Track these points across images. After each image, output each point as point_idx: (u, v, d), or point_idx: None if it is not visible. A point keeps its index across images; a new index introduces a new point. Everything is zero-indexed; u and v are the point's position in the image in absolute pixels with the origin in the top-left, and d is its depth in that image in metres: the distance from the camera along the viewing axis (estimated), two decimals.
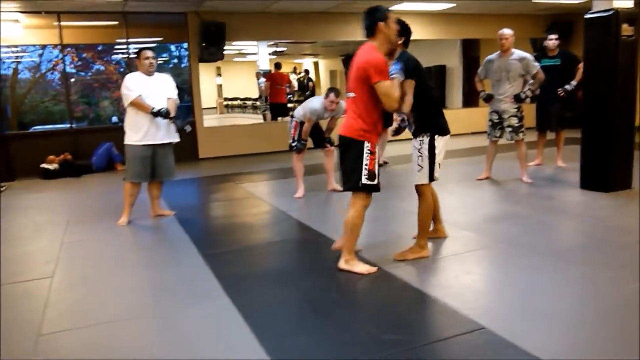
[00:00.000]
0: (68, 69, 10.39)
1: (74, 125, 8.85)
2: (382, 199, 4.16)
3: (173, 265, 3.90)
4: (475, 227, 4.40)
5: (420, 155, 3.61)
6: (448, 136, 3.68)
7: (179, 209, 5.54)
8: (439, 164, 3.64)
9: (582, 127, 5.51)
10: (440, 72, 14.20)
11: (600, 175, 5.35)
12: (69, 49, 10.39)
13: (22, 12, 8.16)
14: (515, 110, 5.93)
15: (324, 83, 20.53)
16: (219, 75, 21.52)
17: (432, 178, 3.62)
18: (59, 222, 5.33)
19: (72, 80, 10.49)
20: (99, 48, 10.45)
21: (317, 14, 9.71)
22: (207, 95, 19.82)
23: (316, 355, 2.44)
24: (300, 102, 21.08)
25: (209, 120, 14.32)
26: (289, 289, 3.28)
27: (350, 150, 3.38)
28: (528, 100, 5.95)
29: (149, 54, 5.02)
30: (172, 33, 9.57)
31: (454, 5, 9.59)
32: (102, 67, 11.27)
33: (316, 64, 21.40)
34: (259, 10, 9.06)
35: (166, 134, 5.06)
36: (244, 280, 3.48)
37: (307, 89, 16.12)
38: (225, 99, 21.23)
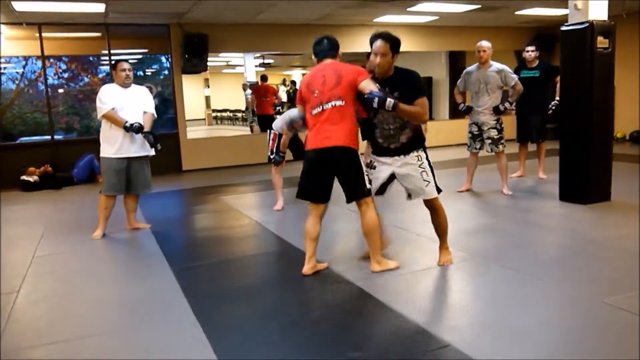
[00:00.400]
0: (51, 81, 10.34)
1: (55, 137, 8.75)
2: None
3: (142, 280, 3.83)
4: (450, 240, 4.32)
5: (424, 170, 3.59)
6: None
7: (156, 222, 5.49)
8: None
9: (560, 139, 5.51)
10: (426, 83, 14.25)
11: (579, 187, 5.34)
12: (52, 60, 10.33)
13: (3, 23, 8.10)
14: (495, 122, 5.93)
15: None
16: (207, 86, 21.49)
17: (439, 190, 3.64)
18: (34, 235, 5.25)
19: (61, 91, 10.42)
20: (88, 59, 10.38)
21: (302, 26, 9.72)
22: (196, 106, 19.86)
23: None
24: None
25: (197, 132, 14.32)
26: (255, 305, 3.21)
27: (348, 160, 3.45)
28: (513, 112, 5.96)
29: (125, 65, 4.97)
30: (155, 45, 9.54)
31: (436, 18, 9.64)
32: (87, 79, 11.19)
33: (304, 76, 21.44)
34: (243, 22, 9.06)
35: (141, 147, 5.01)
36: (212, 296, 3.42)
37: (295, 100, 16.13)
38: (214, 111, 21.20)
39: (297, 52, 11.33)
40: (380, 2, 7.97)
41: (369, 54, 7.22)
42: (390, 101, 3.24)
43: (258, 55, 14.73)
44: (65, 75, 11.50)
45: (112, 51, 8.89)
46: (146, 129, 4.97)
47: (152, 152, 5.16)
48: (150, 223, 5.44)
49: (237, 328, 2.91)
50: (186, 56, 8.73)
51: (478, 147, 6.11)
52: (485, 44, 5.88)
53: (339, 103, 3.42)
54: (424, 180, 3.59)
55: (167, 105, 9.76)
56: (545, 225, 4.80)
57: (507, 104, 5.85)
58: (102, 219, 5.08)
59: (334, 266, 3.74)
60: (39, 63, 10.38)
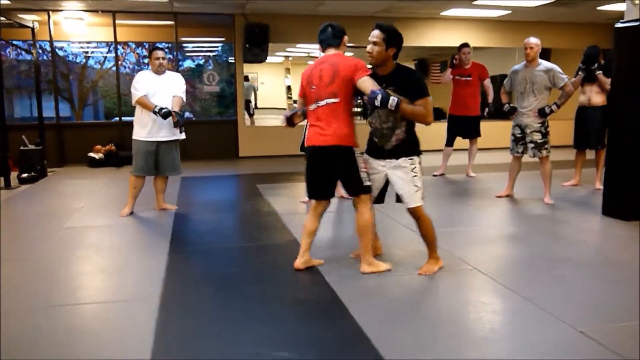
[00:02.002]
0: (132, 66, 11.03)
1: (123, 119, 9.31)
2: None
3: (134, 256, 4.00)
4: (462, 247, 4.13)
5: (416, 175, 3.45)
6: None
7: (186, 204, 5.70)
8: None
9: (608, 148, 5.02)
10: (501, 82, 13.52)
11: (623, 201, 4.83)
12: (132, 46, 10.99)
13: (84, 10, 8.72)
14: (539, 125, 5.50)
15: None
16: (288, 76, 21.80)
17: (423, 198, 3.48)
18: (73, 209, 5.63)
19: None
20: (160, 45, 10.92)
21: (365, 18, 9.55)
22: (277, 95, 20.25)
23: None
24: None
25: (276, 120, 14.61)
26: (230, 294, 3.24)
27: (343, 158, 3.39)
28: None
29: (160, 53, 5.18)
30: (220, 33, 9.82)
31: (508, 12, 9.10)
32: None
33: None
34: (304, 13, 9.08)
35: (170, 131, 5.19)
36: (192, 281, 3.49)
37: None
38: (295, 101, 21.47)
39: (359, 44, 11.12)
40: None
41: (460, 47, 6.99)
42: (393, 99, 3.12)
43: None
44: (146, 61, 12.20)
45: (182, 39, 9.29)
46: (175, 109, 5.12)
47: (182, 136, 5.33)
48: (183, 205, 5.66)
49: (190, 314, 2.95)
50: (247, 45, 8.91)
51: (520, 150, 5.70)
52: (533, 40, 5.47)
53: (332, 100, 3.34)
54: (415, 185, 3.43)
55: (229, 93, 10.06)
56: (572, 240, 4.39)
57: (554, 107, 5.40)
58: (131, 198, 5.34)
59: (328, 263, 3.66)
60: (119, 48, 11.08)
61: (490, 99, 7.33)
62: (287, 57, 18.69)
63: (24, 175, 7.49)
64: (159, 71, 5.17)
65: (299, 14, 9.13)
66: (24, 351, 2.52)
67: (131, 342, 2.61)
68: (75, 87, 11.50)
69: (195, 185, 7.03)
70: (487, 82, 7.29)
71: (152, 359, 2.41)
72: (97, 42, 10.21)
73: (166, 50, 11.06)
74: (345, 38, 3.51)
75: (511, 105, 5.71)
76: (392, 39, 3.33)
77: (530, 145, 5.57)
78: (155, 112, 5.00)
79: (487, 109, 7.34)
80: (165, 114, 4.99)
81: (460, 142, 7.43)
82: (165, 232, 4.64)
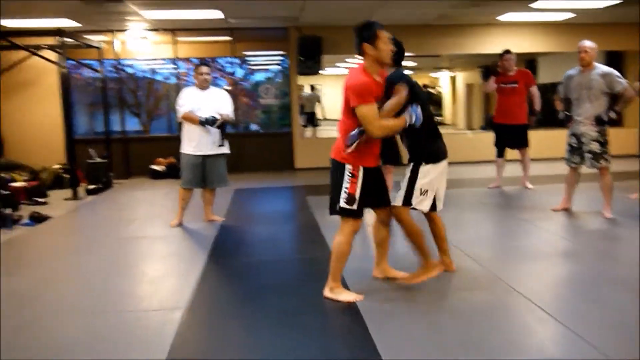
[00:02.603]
0: (187, 81, 11.43)
1: None
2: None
3: (171, 269, 4.12)
4: (503, 263, 3.96)
5: (404, 179, 3.42)
6: (442, 163, 3.43)
7: (234, 216, 5.85)
8: (422, 191, 3.37)
9: None
10: None
11: None
12: (195, 61, 11.40)
13: (146, 30, 9.16)
14: (597, 134, 5.18)
15: (461, 97, 19.72)
16: None
17: (407, 202, 3.37)
18: (130, 219, 5.91)
19: None
20: (219, 61, 11.27)
21: (421, 27, 9.46)
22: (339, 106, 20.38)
23: None
24: (434, 115, 20.82)
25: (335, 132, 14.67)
26: (257, 305, 3.28)
27: (334, 173, 3.31)
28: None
29: (204, 69, 5.34)
30: (276, 47, 9.97)
31: (572, 15, 8.67)
32: (224, 80, 12.12)
33: (453, 78, 20.67)
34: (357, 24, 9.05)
35: (215, 146, 5.34)
36: (222, 292, 3.56)
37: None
38: None
39: (416, 53, 10.98)
40: (492, 0, 7.42)
41: (501, 54, 6.82)
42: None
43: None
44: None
45: (244, 52, 9.54)
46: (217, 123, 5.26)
47: (227, 151, 5.46)
48: (231, 216, 5.80)
49: (212, 324, 3.00)
50: (301, 58, 9.01)
51: (577, 161, 5.38)
52: (587, 44, 5.16)
53: (340, 118, 3.26)
54: (400, 186, 3.43)
55: (284, 105, 10.20)
56: (620, 260, 4.06)
57: (612, 113, 5.08)
58: (180, 209, 5.52)
59: (364, 280, 3.61)
60: (182, 64, 11.55)
61: (538, 106, 6.98)
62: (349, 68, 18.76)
63: (91, 186, 7.93)
64: (203, 86, 5.32)
65: (352, 25, 9.10)
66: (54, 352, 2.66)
67: (147, 350, 2.68)
68: (144, 103, 12.07)
69: (246, 197, 7.17)
70: (534, 90, 6.95)
71: None
72: (163, 59, 10.64)
73: (223, 65, 11.47)
74: (365, 46, 3.14)
75: (567, 113, 5.42)
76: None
77: (588, 156, 5.24)
78: (202, 123, 5.15)
79: (534, 118, 7.01)
80: (211, 122, 5.13)
81: (514, 152, 7.12)
82: (207, 243, 4.75)
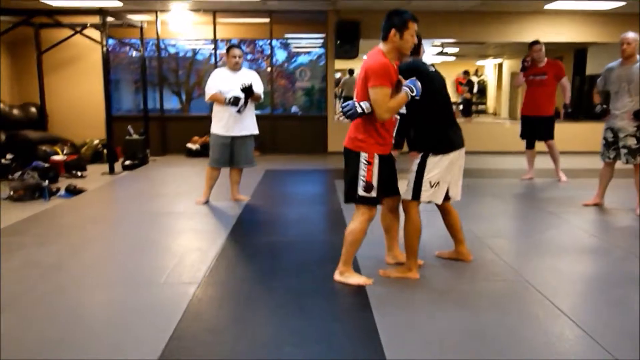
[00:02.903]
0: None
1: None
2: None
3: (191, 245, 4.22)
4: (521, 256, 3.90)
5: (412, 170, 3.37)
6: (453, 153, 3.35)
7: (260, 197, 5.92)
8: (432, 184, 3.32)
9: None
10: None
11: None
12: (234, 42, 11.50)
13: (190, 10, 9.29)
14: (634, 129, 4.97)
15: (505, 86, 19.21)
16: None
17: (416, 196, 3.33)
18: (159, 194, 6.08)
19: None
20: (258, 43, 11.31)
21: (463, 13, 9.26)
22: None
23: None
24: (478, 103, 20.34)
25: None
26: (269, 284, 3.34)
27: (348, 161, 3.30)
28: None
29: (236, 52, 5.37)
30: (314, 30, 9.94)
31: (623, 4, 8.29)
32: (263, 62, 12.18)
33: (499, 66, 20.13)
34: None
35: (244, 126, 5.42)
36: (237, 270, 3.64)
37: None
38: None
39: (458, 40, 10.75)
40: None
41: (530, 45, 6.58)
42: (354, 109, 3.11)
43: (437, 43, 14.26)
44: (249, 57, 12.71)
45: (282, 35, 9.58)
46: (253, 100, 5.35)
47: (256, 132, 5.52)
48: (258, 197, 5.90)
49: (221, 302, 3.07)
50: (338, 42, 8.97)
51: (612, 156, 5.20)
52: (631, 35, 4.95)
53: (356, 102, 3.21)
54: (409, 179, 3.38)
55: (321, 89, 10.19)
56: None
57: None
58: (207, 188, 5.63)
59: (377, 264, 3.64)
60: (222, 45, 11.65)
61: (567, 99, 6.74)
62: None
63: (127, 162, 8.17)
64: (235, 69, 5.38)
65: (391, 10, 8.99)
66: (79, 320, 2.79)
67: (158, 322, 2.77)
68: (183, 82, 12.27)
69: (275, 179, 7.24)
70: (564, 81, 6.71)
71: (172, 338, 2.56)
72: (203, 40, 10.77)
73: (262, 47, 11.51)
74: (392, 32, 3.08)
75: (604, 106, 5.23)
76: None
77: (624, 151, 5.06)
78: (228, 103, 5.22)
79: (563, 110, 6.77)
80: (234, 100, 5.20)
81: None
82: (229, 221, 4.84)
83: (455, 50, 16.57)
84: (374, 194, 3.20)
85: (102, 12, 7.47)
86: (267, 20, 9.50)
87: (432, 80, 3.30)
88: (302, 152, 9.53)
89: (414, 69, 3.25)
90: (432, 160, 3.32)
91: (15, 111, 8.63)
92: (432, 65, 3.46)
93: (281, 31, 9.91)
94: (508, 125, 10.39)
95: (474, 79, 21.23)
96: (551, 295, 3.12)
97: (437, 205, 3.54)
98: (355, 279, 3.32)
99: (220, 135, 5.43)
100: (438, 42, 13.70)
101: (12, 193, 5.83)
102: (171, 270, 3.57)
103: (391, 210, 3.53)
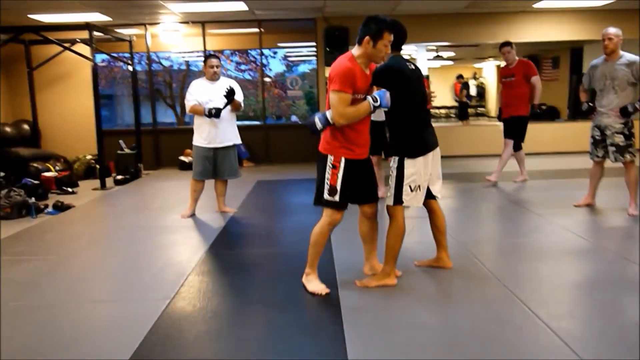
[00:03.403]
0: (231, 72, 11.57)
1: None
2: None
3: (168, 256, 4.17)
4: (496, 261, 3.82)
5: (392, 175, 3.29)
6: (429, 154, 3.28)
7: (248, 208, 5.86)
8: (412, 187, 3.24)
9: None
10: None
11: None
12: (226, 53, 11.53)
13: (177, 22, 9.30)
14: (621, 126, 4.89)
15: None
16: None
17: (398, 200, 3.25)
18: (147, 209, 6.05)
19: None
20: (251, 52, 11.33)
21: (450, 15, 9.22)
22: None
23: None
24: (477, 106, 20.21)
25: None
26: (243, 296, 3.28)
27: (318, 164, 3.26)
28: None
29: (214, 62, 5.33)
30: (304, 38, 9.93)
31: (611, 1, 8.20)
32: (255, 72, 12.20)
33: (498, 67, 20.02)
34: (384, 14, 8.89)
35: (225, 137, 5.37)
36: (211, 284, 3.58)
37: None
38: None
39: (448, 42, 10.71)
40: None
41: (501, 45, 6.47)
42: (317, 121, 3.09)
43: (433, 48, 14.19)
44: (243, 67, 12.74)
45: (274, 44, 9.58)
46: (233, 110, 5.31)
47: (238, 141, 5.47)
48: (246, 208, 5.87)
49: (193, 316, 3.01)
50: (327, 49, 8.93)
51: (601, 155, 5.10)
52: (611, 30, 4.87)
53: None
54: (390, 184, 3.31)
55: (313, 96, 10.15)
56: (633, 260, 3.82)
57: (638, 104, 4.77)
58: (192, 201, 5.57)
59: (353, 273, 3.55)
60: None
61: (536, 99, 6.60)
62: None
63: (119, 177, 8.15)
64: (213, 79, 5.32)
65: (377, 15, 8.96)
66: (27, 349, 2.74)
67: (121, 339, 2.71)
68: (178, 95, 12.30)
69: (266, 189, 7.19)
70: (534, 80, 6.57)
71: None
72: (194, 52, 10.79)
73: (254, 56, 11.50)
74: (365, 40, 3.02)
75: (590, 104, 5.14)
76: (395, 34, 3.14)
77: (612, 149, 4.96)
78: (207, 115, 5.17)
79: (531, 110, 6.67)
80: (215, 113, 5.13)
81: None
82: (212, 235, 4.78)
83: (451, 54, 16.52)
84: (337, 198, 3.15)
85: (89, 26, 7.48)
86: (256, 30, 9.48)
87: (409, 80, 3.23)
88: (296, 162, 9.46)
89: (390, 69, 3.19)
90: (409, 163, 3.25)
91: (8, 129, 8.65)
92: (411, 62, 3.38)
93: (272, 40, 9.92)
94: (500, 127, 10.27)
95: (472, 81, 21.15)
96: (528, 300, 3.03)
97: (424, 205, 3.48)
98: (312, 286, 3.28)
99: (202, 147, 5.38)
100: (433, 46, 13.64)
101: None
102: (144, 286, 3.51)
103: (368, 218, 3.44)
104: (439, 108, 17.70)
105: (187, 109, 5.33)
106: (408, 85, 3.22)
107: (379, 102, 3.02)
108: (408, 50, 14.84)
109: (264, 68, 10.39)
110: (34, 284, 3.63)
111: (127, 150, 8.66)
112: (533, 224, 4.85)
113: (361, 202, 3.36)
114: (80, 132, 9.27)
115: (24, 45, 8.87)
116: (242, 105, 5.49)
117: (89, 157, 8.79)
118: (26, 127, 9.02)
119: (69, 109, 9.35)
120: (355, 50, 3.12)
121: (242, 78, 12.79)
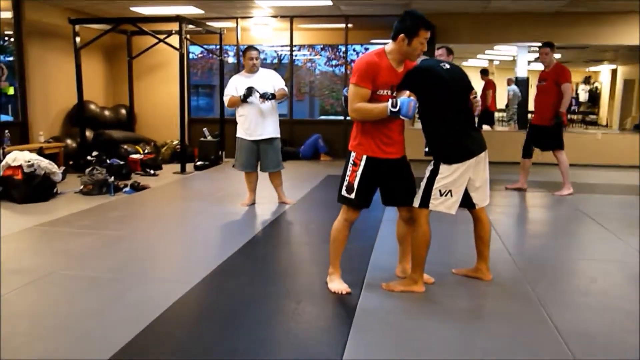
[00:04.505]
0: (313, 67, 11.69)
1: (294, 117, 9.94)
2: None
3: (208, 245, 4.28)
4: (538, 279, 3.49)
5: (425, 177, 3.13)
6: (469, 161, 3.06)
7: (309, 201, 5.90)
8: (442, 192, 3.05)
9: None
10: None
11: None
12: (316, 49, 11.66)
13: (265, 16, 9.53)
14: None
15: (618, 95, 17.52)
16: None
17: (425, 204, 3.08)
18: (213, 195, 6.31)
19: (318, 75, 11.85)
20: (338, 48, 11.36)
21: (550, 15, 8.60)
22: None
23: None
24: (588, 114, 18.71)
25: None
26: (265, 286, 3.29)
27: (346, 160, 3.17)
28: None
29: (253, 54, 5.29)
30: (389, 34, 9.72)
31: None
32: (342, 67, 12.21)
33: (614, 72, 18.44)
34: (474, 11, 8.52)
35: (266, 130, 5.35)
36: (241, 272, 3.62)
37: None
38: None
39: (539, 43, 9.97)
40: None
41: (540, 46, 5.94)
42: None
43: (534, 49, 13.34)
44: (334, 62, 12.82)
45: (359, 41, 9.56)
46: (277, 98, 5.30)
47: (277, 135, 5.46)
48: (307, 201, 5.91)
49: (210, 305, 3.07)
50: None
51: None
52: None
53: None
54: (420, 186, 3.14)
55: None
56: None
57: None
58: (249, 190, 5.63)
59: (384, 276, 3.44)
60: (305, 51, 11.83)
61: (563, 107, 5.97)
62: (491, 60, 17.60)
63: (199, 163, 8.52)
64: (252, 70, 5.29)
65: (468, 12, 8.62)
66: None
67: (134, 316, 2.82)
68: None
69: (334, 183, 7.08)
70: (564, 87, 5.93)
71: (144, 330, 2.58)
72: (285, 46, 11.00)
73: (341, 52, 11.47)
74: (400, 37, 2.90)
75: None
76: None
77: None
78: (243, 99, 5.18)
79: (556, 119, 6.06)
80: (248, 93, 5.13)
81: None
82: (256, 224, 4.89)
83: (557, 56, 15.42)
84: (353, 196, 3.05)
85: (179, 18, 7.87)
86: (343, 25, 9.47)
87: (443, 83, 3.03)
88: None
89: (417, 72, 3.03)
90: (444, 169, 3.07)
91: (107, 112, 9.35)
92: (449, 63, 3.20)
93: (363, 36, 9.84)
94: (599, 136, 9.47)
95: (583, 86, 19.63)
96: (564, 329, 2.71)
97: (470, 212, 3.32)
98: (334, 285, 3.19)
99: (243, 138, 5.41)
100: (535, 47, 12.82)
101: (82, 187, 6.29)
102: (176, 269, 3.64)
103: (406, 222, 3.30)
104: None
105: (226, 103, 5.38)
106: (441, 88, 3.03)
107: (397, 109, 2.84)
108: (508, 51, 14.13)
109: (351, 64, 10.33)
110: (86, 256, 3.88)
111: (209, 138, 9.02)
112: (602, 243, 4.39)
113: (392, 203, 3.23)
114: (170, 119, 9.78)
115: (126, 36, 9.54)
116: (287, 92, 5.47)
117: (175, 142, 9.27)
118: (123, 112, 9.70)
119: (162, 96, 9.91)
120: (388, 46, 3.00)
121: (332, 72, 12.90)
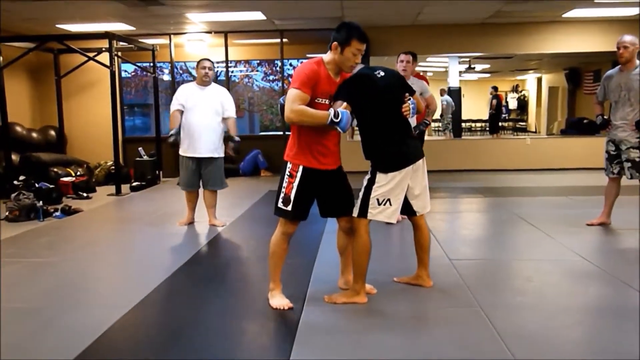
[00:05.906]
0: (250, 83, 11.64)
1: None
2: None
3: (148, 266, 4.10)
4: (480, 284, 3.54)
5: (362, 186, 3.13)
6: (405, 169, 3.07)
7: (244, 220, 5.73)
8: (380, 201, 3.06)
9: None
10: None
11: None
12: (252, 64, 11.60)
13: (198, 32, 9.40)
14: (637, 140, 4.56)
15: (544, 102, 18.42)
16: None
17: (363, 213, 3.08)
18: (149, 214, 6.09)
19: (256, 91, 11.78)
20: (274, 63, 11.36)
21: (474, 26, 8.95)
22: None
23: None
24: (517, 121, 19.56)
25: None
26: (203, 305, 3.17)
27: (282, 172, 3.10)
28: None
29: (206, 64, 5.14)
30: (326, 49, 9.82)
31: None
32: (279, 82, 12.22)
33: (539, 80, 19.40)
34: (405, 24, 8.76)
35: (208, 149, 5.17)
36: (177, 295, 3.49)
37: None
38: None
39: (473, 53, 10.41)
40: None
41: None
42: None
43: (465, 59, 13.86)
44: (271, 77, 12.79)
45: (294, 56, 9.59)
46: (231, 133, 5.19)
47: (220, 154, 5.29)
48: (246, 219, 5.76)
49: (146, 329, 2.92)
50: None
51: (616, 171, 4.78)
52: (627, 38, 4.55)
53: None
54: (361, 197, 3.12)
55: None
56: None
57: None
58: (188, 210, 5.45)
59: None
60: (241, 67, 11.75)
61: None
62: (424, 72, 18.08)
63: (135, 183, 8.24)
64: (204, 81, 5.14)
65: (399, 25, 8.84)
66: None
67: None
68: None
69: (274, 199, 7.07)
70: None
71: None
72: (219, 62, 10.88)
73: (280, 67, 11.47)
74: (334, 45, 2.92)
75: (604, 117, 4.82)
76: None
77: (627, 165, 4.63)
78: (171, 145, 5.19)
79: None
80: (172, 144, 5.14)
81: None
82: (190, 247, 4.65)
83: (486, 66, 16.07)
84: (290, 208, 2.99)
85: (109, 35, 7.63)
86: (277, 40, 9.48)
87: (377, 91, 3.04)
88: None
89: (354, 80, 3.03)
90: (381, 177, 3.08)
91: (35, 134, 8.91)
92: (385, 70, 3.17)
93: (299, 51, 9.84)
94: (529, 141, 9.90)
95: (512, 94, 20.54)
96: (503, 330, 2.77)
97: (410, 220, 3.35)
98: (275, 301, 3.11)
99: (185, 156, 5.23)
100: (465, 57, 13.32)
101: (7, 214, 5.93)
102: (109, 293, 3.47)
103: (346, 232, 3.27)
104: (474, 121, 17.25)
105: (170, 113, 5.19)
106: (376, 96, 3.04)
107: (339, 120, 2.83)
108: (439, 62, 14.59)
109: (288, 79, 10.34)
110: (12, 285, 3.63)
111: (145, 157, 8.76)
112: (536, 243, 4.55)
113: (331, 214, 3.21)
114: (103, 139, 9.38)
115: (53, 54, 9.15)
116: (235, 118, 5.35)
117: (109, 163, 8.93)
118: (53, 133, 9.27)
119: (93, 116, 9.55)
120: (326, 56, 3.00)
121: (269, 88, 12.86)
